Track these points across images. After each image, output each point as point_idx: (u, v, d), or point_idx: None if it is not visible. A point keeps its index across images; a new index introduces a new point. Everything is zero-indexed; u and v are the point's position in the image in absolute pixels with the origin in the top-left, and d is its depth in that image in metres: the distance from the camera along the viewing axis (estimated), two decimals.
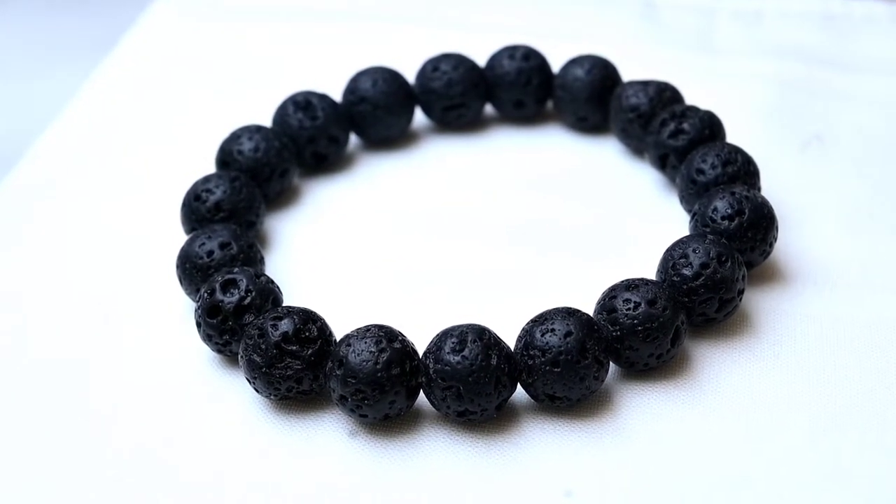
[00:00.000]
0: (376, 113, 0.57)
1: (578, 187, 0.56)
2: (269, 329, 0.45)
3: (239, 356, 0.46)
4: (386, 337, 0.44)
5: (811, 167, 0.56)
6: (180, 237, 0.52)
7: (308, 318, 0.45)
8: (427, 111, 0.59)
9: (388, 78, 0.57)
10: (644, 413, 0.45)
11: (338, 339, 0.45)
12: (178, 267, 0.49)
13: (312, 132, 0.56)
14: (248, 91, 0.64)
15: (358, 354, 0.44)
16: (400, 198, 0.56)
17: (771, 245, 0.49)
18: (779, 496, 0.42)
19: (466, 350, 0.43)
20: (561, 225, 0.54)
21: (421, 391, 0.45)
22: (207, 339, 0.47)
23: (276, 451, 0.45)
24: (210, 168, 0.55)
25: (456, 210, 0.55)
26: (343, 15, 0.69)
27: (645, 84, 0.56)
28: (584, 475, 0.43)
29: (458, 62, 0.58)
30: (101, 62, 0.66)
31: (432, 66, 0.58)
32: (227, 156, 0.54)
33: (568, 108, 0.58)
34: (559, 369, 0.44)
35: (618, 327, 0.45)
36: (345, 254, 0.53)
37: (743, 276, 0.47)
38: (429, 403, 0.45)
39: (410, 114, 0.58)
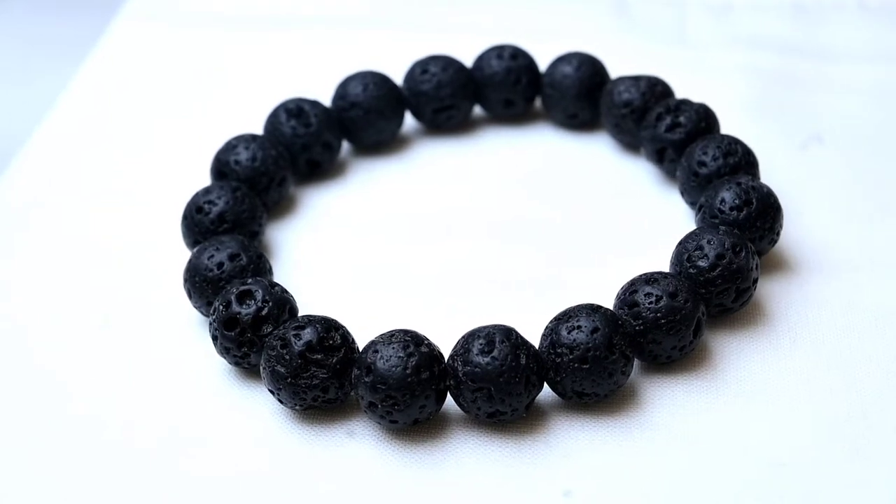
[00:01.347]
0: (368, 117, 0.56)
1: (575, 184, 0.56)
2: (292, 339, 0.44)
3: (261, 368, 0.45)
4: (413, 341, 0.44)
5: (801, 156, 0.57)
6: (173, 248, 0.52)
7: (330, 326, 0.45)
8: (416, 114, 0.58)
9: (378, 82, 0.57)
10: (668, 405, 0.45)
11: (358, 346, 0.45)
12: (186, 281, 0.49)
13: (307, 139, 0.55)
14: (224, 100, 0.63)
15: (387, 360, 0.43)
16: (397, 202, 0.56)
17: (778, 234, 0.50)
18: (806, 482, 0.42)
19: (496, 351, 0.43)
20: (562, 222, 0.54)
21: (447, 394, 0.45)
22: (225, 352, 0.46)
23: (300, 459, 0.44)
24: (197, 176, 0.55)
25: (454, 212, 0.55)
26: (319, 20, 0.68)
27: (636, 79, 0.56)
28: (612, 469, 0.43)
29: (447, 64, 0.58)
30: (77, 70, 0.65)
31: (421, 69, 0.58)
32: (223, 166, 0.53)
33: (558, 106, 0.58)
34: (588, 366, 0.44)
35: (641, 321, 0.45)
36: (347, 260, 0.53)
37: (756, 266, 0.47)
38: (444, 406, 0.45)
39: (401, 117, 0.58)
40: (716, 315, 0.47)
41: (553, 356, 0.44)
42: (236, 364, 0.47)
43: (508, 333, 0.44)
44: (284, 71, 0.64)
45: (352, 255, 0.53)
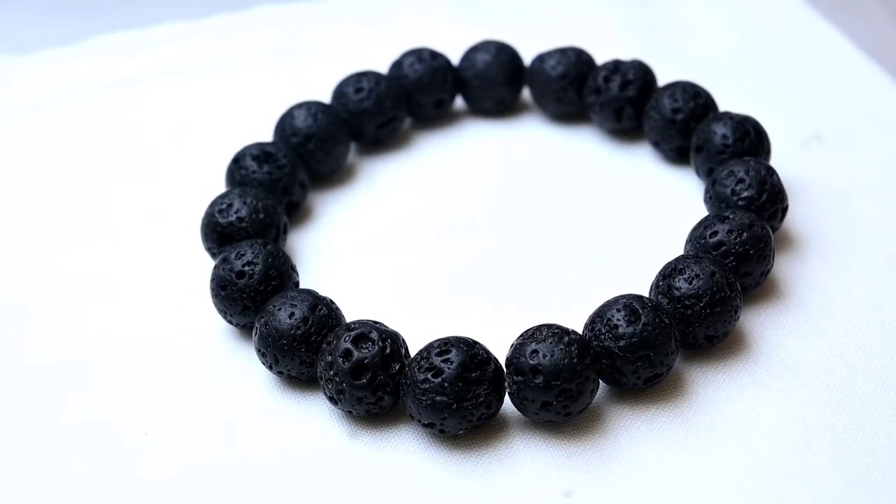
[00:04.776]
0: (326, 147, 0.55)
1: (547, 167, 0.57)
2: (443, 366, 0.43)
3: (410, 405, 0.43)
4: (561, 332, 0.44)
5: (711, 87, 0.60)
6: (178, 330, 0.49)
7: (471, 343, 0.44)
8: (357, 135, 0.57)
9: (323, 109, 0.55)
10: (769, 327, 0.48)
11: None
12: (268, 347, 0.45)
13: (286, 182, 0.53)
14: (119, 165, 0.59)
15: (551, 356, 0.43)
16: (387, 224, 0.54)
17: (770, 154, 0.53)
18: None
19: (643, 317, 0.44)
20: (555, 205, 0.55)
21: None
22: (357, 402, 0.44)
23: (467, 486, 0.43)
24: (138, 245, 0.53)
25: (445, 220, 0.55)
26: (192, 69, 0.65)
27: (562, 52, 0.58)
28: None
29: (377, 77, 0.57)
30: None
31: (354, 88, 0.57)
32: (226, 228, 0.50)
33: (487, 96, 0.59)
34: (718, 308, 0.45)
35: (732, 258, 0.47)
36: (369, 289, 0.51)
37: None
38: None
39: (349, 141, 0.56)
40: None
41: (681, 309, 0.45)
42: (367, 412, 0.44)
43: (641, 299, 0.45)
44: (177, 123, 0.61)
45: (371, 283, 0.52)
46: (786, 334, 0.48)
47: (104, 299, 0.51)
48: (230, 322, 0.48)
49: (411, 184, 0.57)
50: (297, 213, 0.54)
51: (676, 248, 0.50)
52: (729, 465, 0.43)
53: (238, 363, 0.48)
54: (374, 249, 0.53)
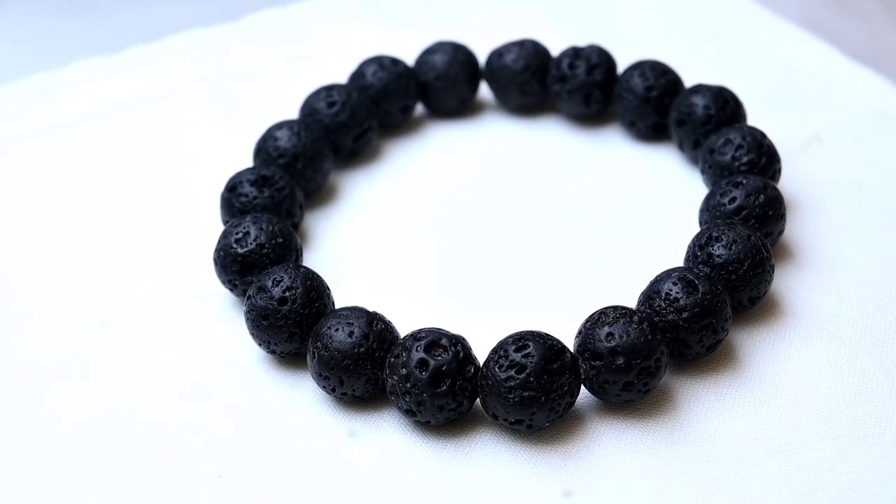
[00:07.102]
0: (315, 165, 0.54)
1: (527, 162, 0.57)
2: (525, 361, 0.43)
3: (496, 404, 0.43)
4: (628, 311, 0.44)
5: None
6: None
7: (544, 334, 0.44)
8: (335, 149, 0.56)
9: (306, 126, 0.54)
10: (793, 283, 0.50)
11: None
12: (331, 370, 0.44)
13: (288, 205, 0.52)
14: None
15: (627, 336, 0.44)
16: (384, 234, 0.54)
17: (748, 120, 0.56)
18: None
19: (701, 287, 0.45)
20: (548, 198, 0.55)
21: None
22: (438, 410, 0.44)
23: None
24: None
25: (446, 223, 0.54)
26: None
27: (520, 45, 0.59)
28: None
29: (347, 89, 0.56)
30: None
31: (326, 103, 0.56)
32: (245, 257, 0.48)
33: (449, 96, 0.59)
34: (760, 269, 0.47)
35: (754, 220, 0.49)
36: (388, 302, 0.50)
37: None
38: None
39: (333, 156, 0.56)
40: None
41: (726, 274, 0.47)
42: (447, 419, 0.44)
43: (690, 270, 0.46)
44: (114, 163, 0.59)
45: (388, 294, 0.51)
46: (811, 287, 0.50)
47: (119, 351, 0.48)
48: (273, 352, 0.47)
49: (398, 193, 0.56)
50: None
51: (679, 221, 0.52)
52: (802, 417, 0.45)
53: (284, 390, 0.47)
54: (377, 261, 0.53)
